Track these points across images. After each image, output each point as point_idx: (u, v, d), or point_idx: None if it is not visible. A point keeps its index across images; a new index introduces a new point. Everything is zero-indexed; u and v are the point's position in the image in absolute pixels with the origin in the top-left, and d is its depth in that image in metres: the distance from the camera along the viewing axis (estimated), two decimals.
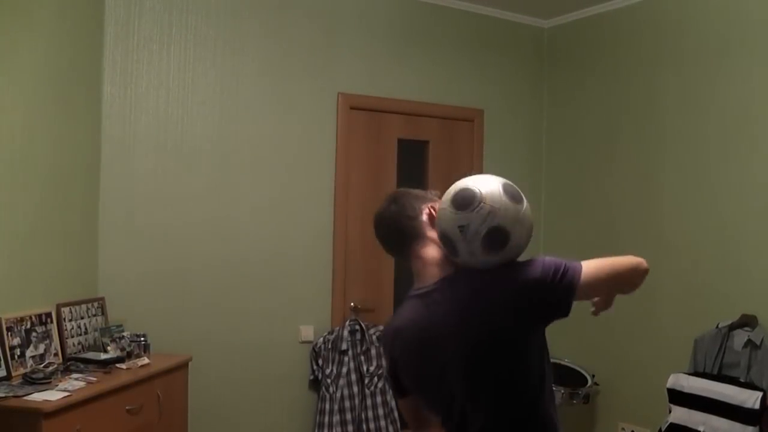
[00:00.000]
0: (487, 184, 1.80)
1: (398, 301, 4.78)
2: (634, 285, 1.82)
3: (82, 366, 3.27)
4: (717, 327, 3.97)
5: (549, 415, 1.84)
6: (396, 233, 1.95)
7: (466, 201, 1.77)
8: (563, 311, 1.75)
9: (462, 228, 1.75)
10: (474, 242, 1.75)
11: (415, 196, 1.98)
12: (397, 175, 4.80)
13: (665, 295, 4.45)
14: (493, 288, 1.77)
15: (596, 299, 1.90)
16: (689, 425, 3.76)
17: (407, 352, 1.91)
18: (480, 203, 1.76)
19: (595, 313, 1.96)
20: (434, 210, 1.91)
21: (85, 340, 3.58)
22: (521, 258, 1.82)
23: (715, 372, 3.88)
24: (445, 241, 1.82)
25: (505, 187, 1.80)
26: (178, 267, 4.05)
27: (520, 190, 1.82)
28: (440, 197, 1.90)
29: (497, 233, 1.74)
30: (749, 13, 4.07)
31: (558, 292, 1.73)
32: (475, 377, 1.79)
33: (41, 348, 3.24)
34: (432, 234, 1.90)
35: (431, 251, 1.89)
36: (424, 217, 1.93)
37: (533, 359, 1.81)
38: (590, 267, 1.76)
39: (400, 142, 4.83)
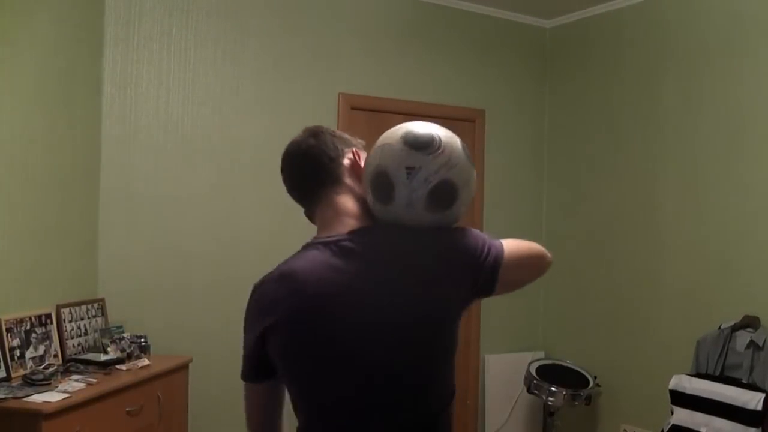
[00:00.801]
0: (446, 133, 1.55)
1: None
2: (541, 273, 1.63)
3: (82, 367, 3.26)
4: (719, 328, 3.95)
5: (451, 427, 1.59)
6: (310, 171, 1.63)
7: (422, 141, 1.51)
8: (488, 290, 1.55)
9: (410, 170, 1.48)
10: (419, 191, 1.48)
11: (339, 136, 1.68)
12: None
13: (667, 296, 4.44)
14: (426, 251, 1.51)
15: None
16: (691, 427, 3.74)
17: (298, 308, 1.48)
18: (439, 149, 1.50)
19: None
20: (359, 157, 1.64)
21: (85, 341, 3.57)
22: None
23: (718, 373, 3.86)
24: (381, 181, 1.51)
25: (463, 145, 1.56)
26: (178, 268, 4.04)
27: None
28: (364, 147, 1.66)
29: (448, 188, 1.49)
30: (752, 14, 4.05)
31: (485, 269, 1.52)
32: (387, 359, 1.47)
33: (41, 349, 3.23)
34: (350, 182, 1.61)
35: (348, 201, 1.59)
36: (346, 161, 1.63)
37: (454, 349, 1.56)
38: (510, 246, 1.56)
39: None
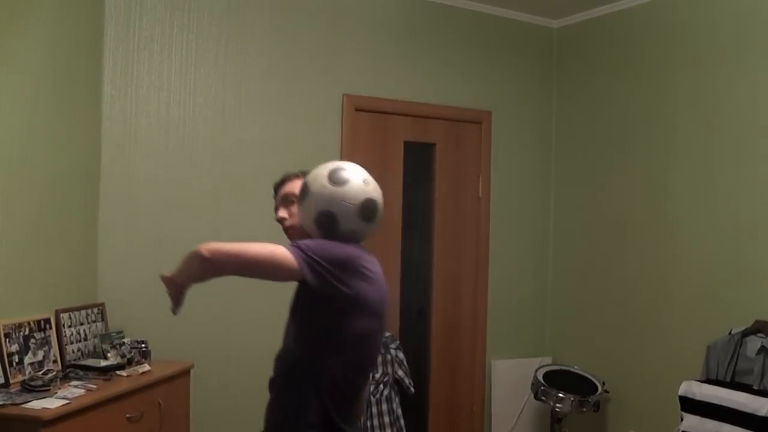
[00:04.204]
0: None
1: (403, 305, 4.73)
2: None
3: (81, 373, 3.23)
4: (730, 333, 3.91)
5: None
6: None
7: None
8: None
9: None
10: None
11: None
12: (403, 178, 4.73)
13: (677, 301, 4.40)
14: None
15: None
16: None
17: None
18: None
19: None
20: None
21: (85, 346, 3.53)
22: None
23: (728, 379, 3.82)
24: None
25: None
26: None
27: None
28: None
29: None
30: (761, 13, 4.02)
31: None
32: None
33: (40, 355, 3.19)
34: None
35: None
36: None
37: None
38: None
39: (407, 144, 4.77)
